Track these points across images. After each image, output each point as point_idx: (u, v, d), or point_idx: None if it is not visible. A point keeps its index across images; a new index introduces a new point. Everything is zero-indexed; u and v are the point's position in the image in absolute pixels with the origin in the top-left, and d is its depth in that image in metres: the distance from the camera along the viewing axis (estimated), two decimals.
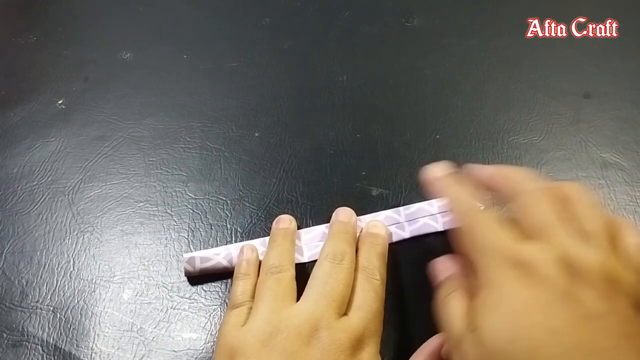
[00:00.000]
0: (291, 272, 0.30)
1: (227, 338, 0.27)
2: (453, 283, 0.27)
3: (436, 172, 0.30)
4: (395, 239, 0.33)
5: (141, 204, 0.36)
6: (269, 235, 0.34)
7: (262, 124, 0.39)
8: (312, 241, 0.33)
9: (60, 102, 0.41)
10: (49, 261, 0.34)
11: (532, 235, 0.25)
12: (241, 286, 0.30)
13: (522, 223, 0.26)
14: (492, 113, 0.39)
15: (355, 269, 0.30)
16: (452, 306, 0.26)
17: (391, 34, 0.44)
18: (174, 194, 0.36)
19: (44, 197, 0.37)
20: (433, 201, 0.34)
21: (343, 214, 0.33)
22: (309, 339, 0.26)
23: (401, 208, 0.34)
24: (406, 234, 0.33)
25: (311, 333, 0.26)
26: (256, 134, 0.39)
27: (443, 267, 0.28)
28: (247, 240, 0.34)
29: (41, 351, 0.31)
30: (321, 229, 0.34)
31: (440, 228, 0.33)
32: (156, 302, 0.32)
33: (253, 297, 0.29)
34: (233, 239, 0.34)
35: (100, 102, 0.41)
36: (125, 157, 0.38)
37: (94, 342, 0.31)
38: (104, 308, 0.32)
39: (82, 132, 0.40)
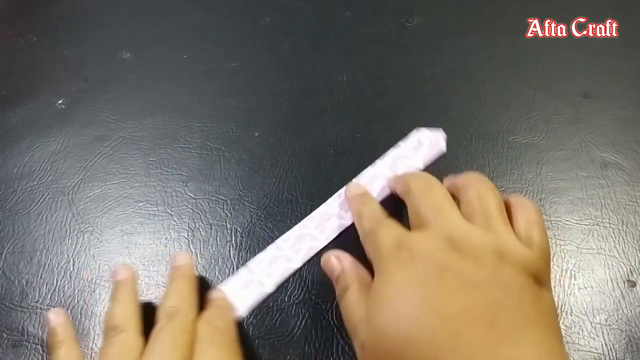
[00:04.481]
0: (132, 329, 0.27)
1: None
2: (349, 276, 0.27)
3: (353, 190, 0.33)
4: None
5: (141, 204, 0.36)
6: (269, 235, 0.34)
7: (262, 124, 0.39)
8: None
9: (60, 102, 0.41)
10: (48, 261, 0.34)
11: (422, 225, 0.26)
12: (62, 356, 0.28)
13: (414, 217, 0.27)
14: (492, 113, 0.39)
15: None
16: (349, 298, 0.26)
17: (391, 34, 0.44)
18: (173, 193, 0.36)
19: (44, 197, 0.37)
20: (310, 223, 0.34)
21: (181, 258, 0.31)
22: None
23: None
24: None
25: None
26: (256, 134, 0.39)
27: (336, 262, 0.29)
28: (247, 240, 0.34)
29: (41, 351, 0.31)
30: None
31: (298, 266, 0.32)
32: (156, 302, 0.32)
33: None
34: (233, 238, 0.34)
35: (100, 102, 0.41)
36: (125, 157, 0.38)
37: (94, 342, 0.31)
38: (104, 308, 0.32)
39: (82, 132, 0.40)
